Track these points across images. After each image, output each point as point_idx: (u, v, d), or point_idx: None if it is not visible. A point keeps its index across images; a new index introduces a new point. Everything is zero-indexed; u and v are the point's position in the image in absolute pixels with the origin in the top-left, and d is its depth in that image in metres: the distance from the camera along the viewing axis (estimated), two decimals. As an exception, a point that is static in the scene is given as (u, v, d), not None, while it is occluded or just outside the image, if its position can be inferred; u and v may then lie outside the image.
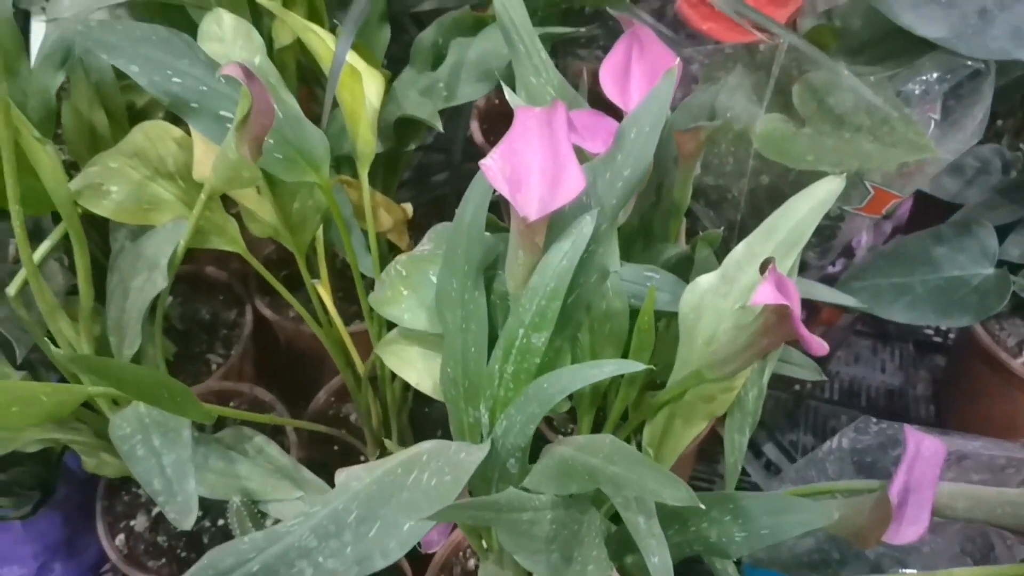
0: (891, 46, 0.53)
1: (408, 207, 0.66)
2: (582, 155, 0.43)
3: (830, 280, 0.65)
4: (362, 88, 0.49)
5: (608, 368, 0.35)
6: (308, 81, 0.65)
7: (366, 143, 0.50)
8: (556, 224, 0.40)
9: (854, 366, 0.86)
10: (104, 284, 0.50)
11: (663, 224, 0.54)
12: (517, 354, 0.38)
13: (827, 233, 0.57)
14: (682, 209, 0.52)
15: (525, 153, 0.38)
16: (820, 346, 0.37)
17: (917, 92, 0.55)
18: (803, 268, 0.65)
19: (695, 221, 0.61)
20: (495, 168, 0.37)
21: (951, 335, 0.86)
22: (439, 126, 0.53)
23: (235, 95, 0.45)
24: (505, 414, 0.37)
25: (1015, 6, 0.47)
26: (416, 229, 1.01)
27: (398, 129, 0.56)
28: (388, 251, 0.71)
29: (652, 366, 0.37)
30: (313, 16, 0.58)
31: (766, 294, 0.35)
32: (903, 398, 0.83)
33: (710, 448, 0.79)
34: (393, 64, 0.62)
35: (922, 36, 0.48)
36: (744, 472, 0.78)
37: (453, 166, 0.90)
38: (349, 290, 0.71)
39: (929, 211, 0.68)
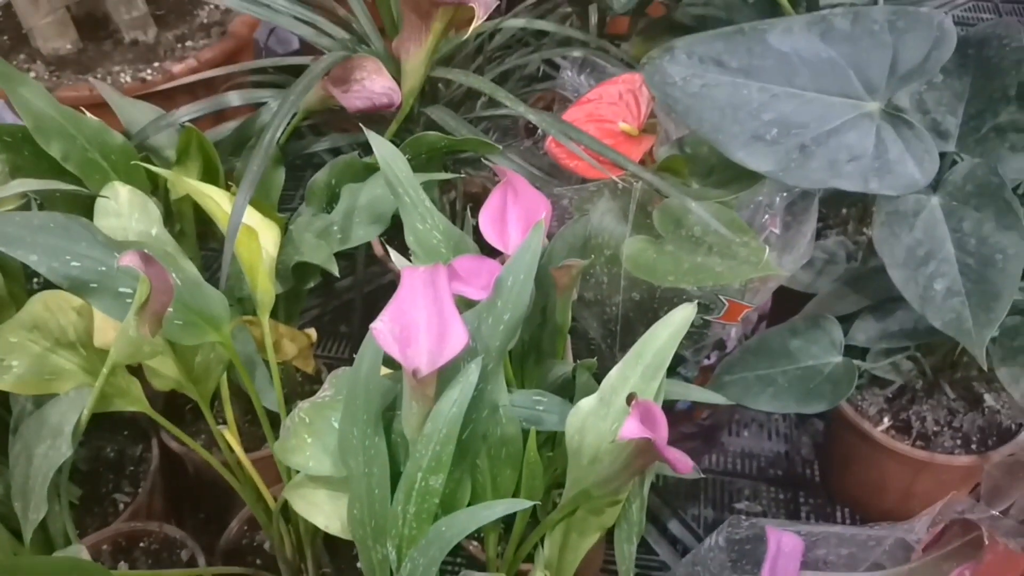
0: (734, 171, 0.60)
1: (312, 332, 0.68)
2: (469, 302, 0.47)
3: (708, 370, 0.72)
4: (259, 243, 0.52)
5: (499, 508, 0.39)
6: (208, 222, 0.68)
7: (265, 292, 0.53)
8: (446, 370, 0.44)
9: (744, 437, 0.92)
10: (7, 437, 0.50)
11: (551, 343, 0.59)
12: (417, 496, 0.41)
13: (696, 337, 0.63)
14: (565, 329, 0.57)
15: (413, 312, 0.42)
16: (685, 465, 0.42)
17: (760, 209, 0.63)
18: (682, 362, 0.71)
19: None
20: (385, 330, 0.41)
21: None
22: (335, 270, 0.56)
23: (134, 271, 0.47)
24: (409, 556, 0.40)
25: (828, 142, 0.55)
26: (325, 335, 1.03)
27: (297, 271, 0.60)
28: (298, 379, 0.74)
29: (538, 502, 0.40)
30: (208, 167, 0.61)
31: (631, 429, 0.39)
32: (790, 463, 0.89)
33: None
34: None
35: (754, 170, 0.55)
36: (653, 551, 0.82)
37: (357, 272, 0.94)
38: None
39: (791, 297, 0.77)
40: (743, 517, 0.48)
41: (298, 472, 0.47)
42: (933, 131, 0.62)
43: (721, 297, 0.58)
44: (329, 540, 0.67)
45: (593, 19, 0.81)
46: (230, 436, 0.54)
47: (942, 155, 0.61)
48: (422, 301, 0.42)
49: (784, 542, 0.42)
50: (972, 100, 0.61)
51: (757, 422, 0.93)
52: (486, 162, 0.54)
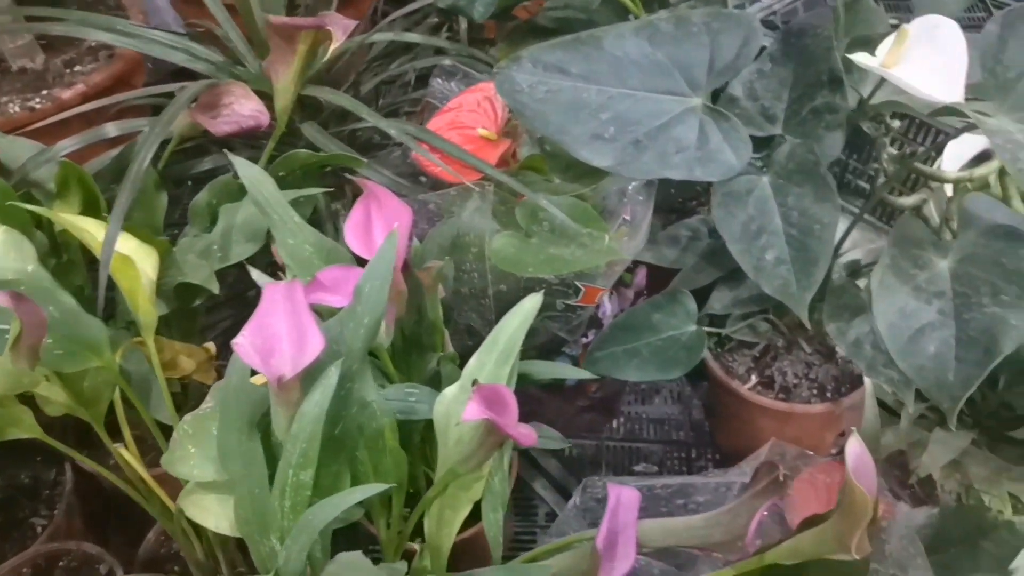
0: (586, 166, 0.66)
1: (211, 346, 0.72)
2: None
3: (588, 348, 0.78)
4: (136, 269, 0.55)
5: (357, 495, 0.44)
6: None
7: (147, 314, 0.56)
8: (311, 374, 0.48)
9: (642, 404, 0.99)
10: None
11: (429, 337, 0.64)
12: (291, 491, 0.46)
13: (564, 320, 0.69)
14: (439, 324, 0.62)
15: (274, 325, 0.47)
16: (529, 439, 0.48)
17: (614, 199, 0.69)
18: (563, 344, 0.77)
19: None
20: (246, 345, 0.45)
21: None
22: (215, 288, 0.60)
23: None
24: (284, 546, 0.44)
25: (659, 137, 0.61)
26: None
27: (182, 290, 0.63)
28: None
29: (393, 483, 0.46)
30: (88, 199, 0.64)
31: (472, 411, 0.45)
32: (684, 424, 0.97)
33: (525, 505, 0.89)
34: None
35: (597, 166, 0.61)
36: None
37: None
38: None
39: (665, 273, 0.83)
40: (596, 479, 0.54)
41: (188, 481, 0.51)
42: (763, 116, 0.69)
43: (577, 283, 0.64)
44: (242, 541, 0.72)
45: (463, 27, 0.86)
46: (127, 453, 0.57)
47: (771, 137, 0.68)
48: (282, 314, 0.47)
49: (623, 496, 0.48)
50: (794, 86, 0.68)
51: (654, 388, 1.00)
52: (350, 177, 0.59)
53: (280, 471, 0.46)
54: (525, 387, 0.55)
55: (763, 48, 0.68)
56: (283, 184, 0.66)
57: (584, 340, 0.77)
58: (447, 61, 0.77)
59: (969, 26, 0.62)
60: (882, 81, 0.63)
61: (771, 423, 0.82)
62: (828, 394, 0.79)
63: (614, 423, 0.96)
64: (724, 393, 0.82)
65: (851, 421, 0.87)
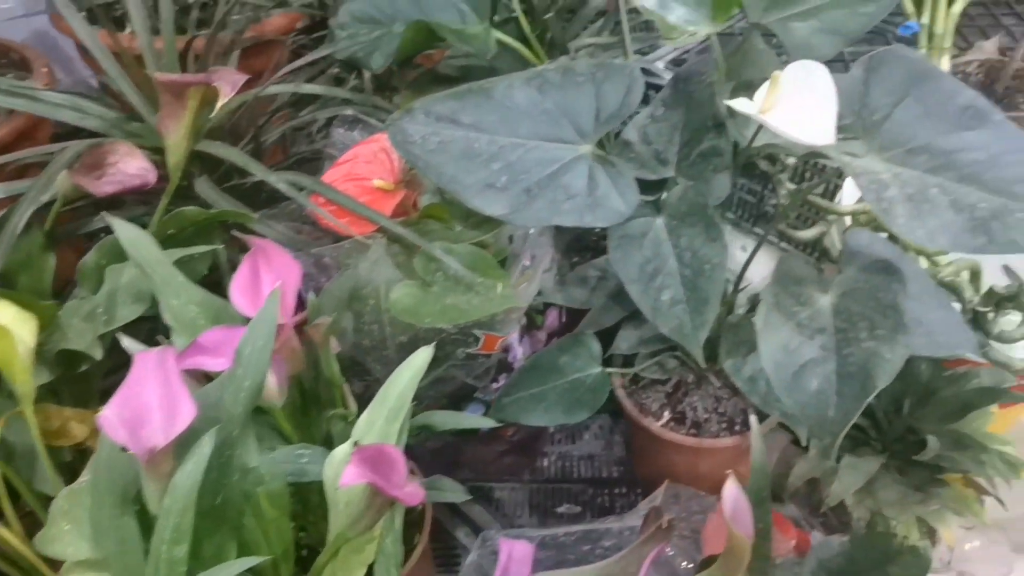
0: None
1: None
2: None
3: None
4: (11, 339, 0.53)
5: (234, 568, 0.42)
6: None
7: (23, 384, 0.54)
8: (186, 445, 0.47)
9: (564, 443, 0.99)
10: None
11: (328, 393, 0.63)
12: (164, 567, 0.44)
13: (469, 368, 0.69)
14: (336, 379, 0.61)
15: (145, 394, 0.45)
16: (414, 497, 0.47)
17: (519, 242, 0.70)
18: (474, 390, 0.76)
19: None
20: (112, 418, 0.43)
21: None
22: (98, 355, 0.58)
23: None
24: (157, 625, 0.42)
25: (550, 184, 0.62)
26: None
27: (67, 356, 0.61)
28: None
29: (271, 555, 0.44)
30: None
31: (351, 475, 0.44)
32: (606, 462, 0.97)
33: (447, 555, 0.87)
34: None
35: (490, 214, 0.61)
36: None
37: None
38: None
39: (579, 314, 0.84)
40: (492, 532, 0.54)
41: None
42: (656, 159, 0.70)
43: (475, 332, 0.64)
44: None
45: (368, 75, 0.86)
46: (6, 531, 0.54)
47: (664, 180, 0.70)
48: (153, 383, 0.45)
49: (515, 551, 0.48)
50: (684, 130, 0.70)
51: (582, 426, 1.00)
52: (238, 235, 0.58)
53: (153, 547, 0.44)
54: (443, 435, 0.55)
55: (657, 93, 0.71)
56: (175, 242, 0.65)
57: (495, 385, 0.77)
58: (348, 111, 0.77)
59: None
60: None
61: (684, 458, 0.83)
62: (737, 427, 0.80)
63: (543, 463, 0.96)
64: (639, 431, 0.82)
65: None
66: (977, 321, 0.74)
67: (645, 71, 0.82)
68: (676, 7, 0.64)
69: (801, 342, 0.57)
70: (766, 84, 0.61)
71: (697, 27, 0.64)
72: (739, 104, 0.60)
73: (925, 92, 0.56)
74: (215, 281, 0.68)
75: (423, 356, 0.53)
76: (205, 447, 0.45)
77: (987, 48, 1.49)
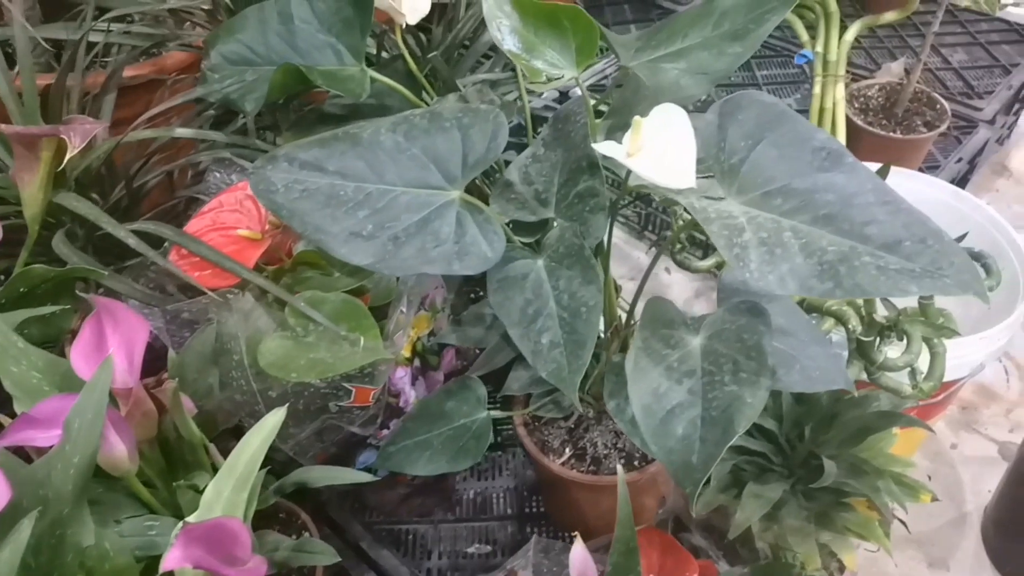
0: (359, 259, 0.64)
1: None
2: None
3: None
4: None
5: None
6: None
7: None
8: (3, 531, 0.44)
9: (484, 479, 0.97)
10: None
11: (193, 454, 0.60)
12: (-26, 667, 0.41)
13: (347, 419, 0.67)
14: (196, 441, 0.59)
15: (-48, 480, 0.42)
16: (257, 573, 0.45)
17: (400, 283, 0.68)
18: (363, 441, 0.74)
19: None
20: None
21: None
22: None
23: None
24: None
25: (418, 232, 0.60)
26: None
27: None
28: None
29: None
30: None
31: (172, 560, 0.41)
32: (519, 499, 0.96)
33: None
34: None
35: (356, 264, 0.60)
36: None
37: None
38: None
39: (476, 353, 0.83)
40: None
41: None
42: (536, 200, 0.70)
43: (345, 385, 0.62)
44: None
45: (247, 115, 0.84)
46: None
47: (544, 221, 0.69)
48: (-38, 468, 0.42)
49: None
50: (562, 170, 0.69)
51: (495, 462, 0.99)
52: (82, 295, 0.55)
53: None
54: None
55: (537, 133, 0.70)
56: (30, 299, 0.62)
57: (386, 432, 0.75)
58: (225, 154, 0.74)
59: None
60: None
61: (587, 495, 0.82)
62: (636, 462, 0.80)
63: (461, 498, 0.94)
64: (541, 468, 0.81)
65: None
66: (862, 350, 0.75)
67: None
68: (541, 52, 0.63)
69: (670, 386, 0.57)
70: (632, 126, 0.60)
71: (562, 71, 0.63)
72: (605, 148, 0.60)
73: (780, 135, 0.56)
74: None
75: (273, 420, 0.51)
76: (23, 531, 0.42)
77: (894, 69, 1.53)
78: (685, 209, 0.77)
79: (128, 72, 0.81)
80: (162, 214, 0.77)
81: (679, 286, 1.44)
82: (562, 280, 0.65)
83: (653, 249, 1.45)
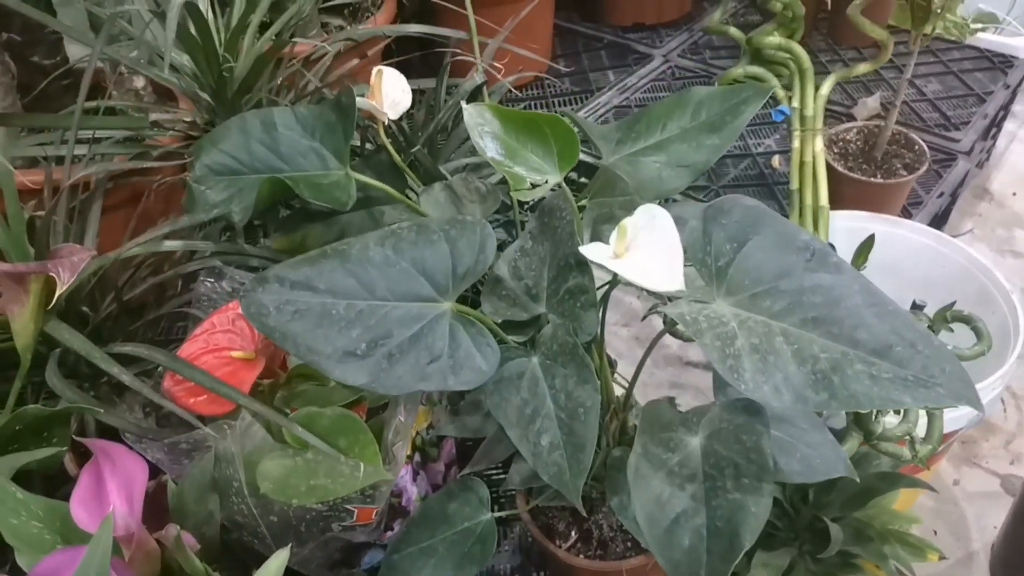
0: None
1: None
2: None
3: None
4: None
5: None
6: None
7: None
8: None
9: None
10: None
11: (196, 584, 0.60)
12: None
13: (351, 533, 0.66)
14: (201, 574, 0.58)
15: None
16: None
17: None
18: (366, 546, 0.74)
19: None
20: None
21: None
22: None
23: None
24: None
25: (411, 348, 0.61)
26: None
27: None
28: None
29: None
30: None
31: None
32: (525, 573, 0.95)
33: None
34: None
35: (352, 385, 0.60)
36: None
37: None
38: None
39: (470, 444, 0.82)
40: None
41: None
42: (527, 295, 0.70)
43: (347, 507, 0.62)
44: None
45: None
46: None
47: (536, 317, 0.70)
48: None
49: None
50: (551, 264, 0.70)
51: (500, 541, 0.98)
52: (78, 439, 0.55)
53: None
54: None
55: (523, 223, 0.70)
56: (23, 437, 0.62)
57: (390, 533, 0.74)
58: (216, 262, 0.75)
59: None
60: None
61: (592, 579, 0.82)
62: (643, 544, 0.79)
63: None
64: (547, 554, 0.81)
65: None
66: (860, 421, 0.76)
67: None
68: (524, 158, 0.64)
69: (672, 492, 0.57)
70: (617, 228, 0.61)
71: (545, 176, 0.64)
72: (592, 252, 0.60)
73: (764, 236, 0.57)
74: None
75: (277, 562, 0.51)
76: None
77: (870, 104, 1.55)
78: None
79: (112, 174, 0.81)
80: (151, 325, 0.77)
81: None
82: (558, 379, 0.65)
83: (644, 294, 1.46)
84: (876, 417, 0.76)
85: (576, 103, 1.70)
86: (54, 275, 0.60)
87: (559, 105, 1.71)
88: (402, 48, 1.14)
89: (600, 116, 1.66)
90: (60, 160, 0.87)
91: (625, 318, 1.55)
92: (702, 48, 1.88)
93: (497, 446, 0.77)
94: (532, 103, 1.70)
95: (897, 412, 0.76)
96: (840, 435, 0.78)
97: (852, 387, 0.50)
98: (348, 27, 1.39)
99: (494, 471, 0.99)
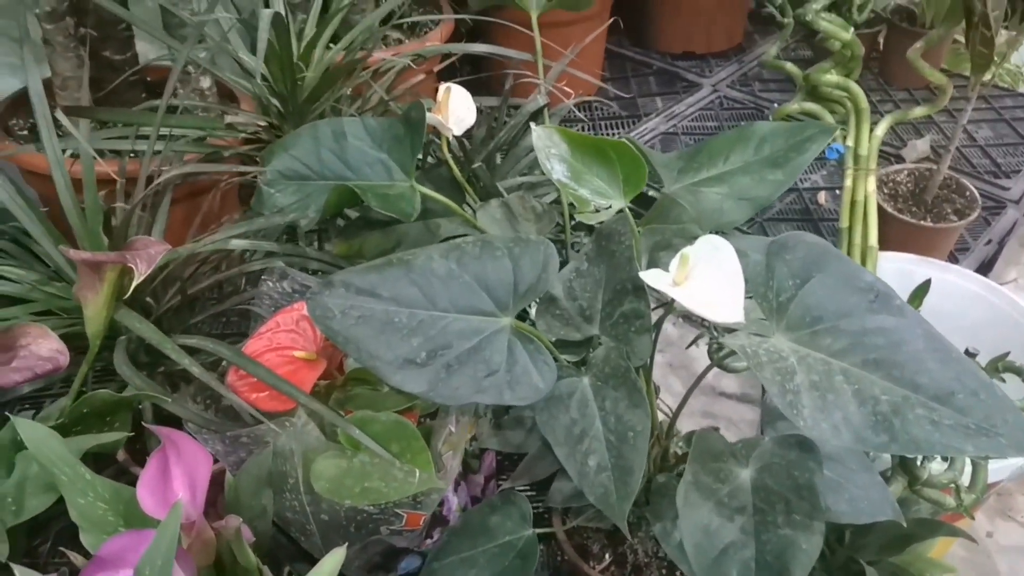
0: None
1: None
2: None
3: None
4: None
5: None
6: None
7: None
8: None
9: None
10: None
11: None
12: None
13: (395, 537, 0.67)
14: (253, 570, 0.60)
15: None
16: None
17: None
18: (404, 552, 0.75)
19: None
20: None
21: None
22: (4, 552, 0.56)
23: None
24: None
25: (469, 360, 0.62)
26: None
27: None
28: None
29: None
30: None
31: None
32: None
33: None
34: None
35: (409, 392, 0.61)
36: None
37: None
38: None
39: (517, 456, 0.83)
40: None
41: None
42: (581, 316, 0.71)
43: (398, 511, 0.63)
44: None
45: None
46: None
47: (589, 338, 0.71)
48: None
49: None
50: (607, 287, 0.71)
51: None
52: (147, 427, 0.57)
53: None
54: None
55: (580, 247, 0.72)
56: (91, 420, 0.64)
57: (430, 541, 0.75)
58: (278, 263, 0.77)
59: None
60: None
61: (627, 606, 0.82)
62: (679, 572, 0.79)
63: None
64: (578, 574, 0.81)
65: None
66: (905, 466, 0.75)
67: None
68: (588, 181, 0.65)
69: (721, 523, 0.57)
70: (679, 256, 0.62)
71: (610, 201, 0.65)
72: (652, 278, 0.61)
73: (827, 274, 0.57)
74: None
75: (331, 562, 0.52)
76: None
77: (919, 147, 1.55)
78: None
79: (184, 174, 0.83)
80: (213, 319, 0.79)
81: (707, 359, 1.44)
82: (608, 401, 0.66)
83: (681, 320, 1.46)
84: (922, 462, 0.75)
85: (623, 127, 1.72)
86: (132, 266, 0.62)
87: (606, 128, 1.73)
88: (453, 64, 1.16)
89: (647, 141, 1.67)
90: (130, 154, 0.90)
91: (660, 343, 1.55)
92: (751, 79, 1.88)
93: (539, 463, 0.78)
94: (579, 124, 1.72)
95: (944, 459, 0.75)
96: (884, 478, 0.77)
97: (913, 431, 0.50)
98: (407, 41, 1.42)
99: (524, 487, 0.99)
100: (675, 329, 1.58)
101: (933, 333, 0.55)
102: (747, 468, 0.60)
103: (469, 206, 0.87)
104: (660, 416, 0.80)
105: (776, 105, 1.79)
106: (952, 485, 0.75)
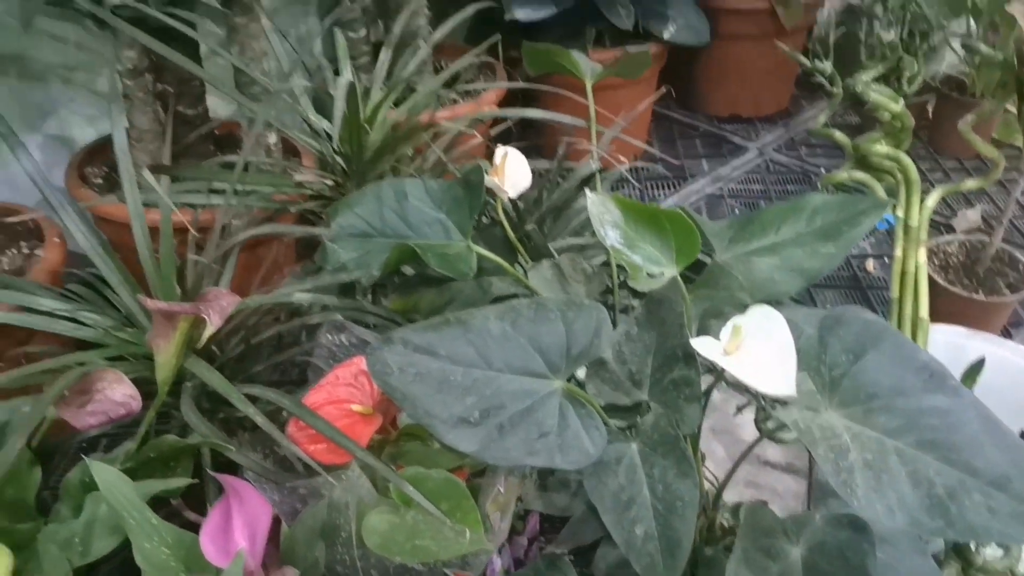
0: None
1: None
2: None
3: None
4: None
5: None
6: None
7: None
8: None
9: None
10: None
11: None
12: None
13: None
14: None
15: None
16: None
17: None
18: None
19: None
20: None
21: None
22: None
23: None
24: None
25: (522, 421, 0.63)
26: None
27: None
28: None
29: None
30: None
31: None
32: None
33: None
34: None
35: (462, 451, 0.62)
36: None
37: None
38: None
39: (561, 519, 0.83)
40: None
41: None
42: (630, 380, 0.72)
43: (446, 571, 0.64)
44: None
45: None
46: None
47: (638, 403, 0.71)
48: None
49: None
50: (656, 353, 0.72)
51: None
52: (212, 475, 0.59)
53: None
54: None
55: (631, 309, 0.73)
56: (153, 464, 0.66)
57: (471, 601, 0.75)
58: (337, 317, 0.79)
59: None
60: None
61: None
62: (720, 645, 0.78)
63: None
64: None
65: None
66: (959, 550, 0.73)
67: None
68: (641, 248, 0.67)
69: (771, 601, 0.57)
70: (730, 325, 0.63)
71: (662, 269, 0.67)
72: (703, 346, 0.62)
73: (882, 351, 0.58)
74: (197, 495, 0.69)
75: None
76: None
77: (970, 217, 1.53)
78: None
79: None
80: (272, 369, 0.82)
81: (751, 426, 1.43)
82: (656, 468, 0.66)
83: (724, 386, 1.45)
84: (977, 548, 0.74)
85: (669, 188, 1.74)
86: (204, 317, 0.65)
87: (653, 189, 1.75)
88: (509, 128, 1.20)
89: (693, 203, 1.69)
90: (202, 206, 0.95)
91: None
92: (798, 144, 1.90)
93: (584, 528, 0.78)
94: (627, 186, 1.75)
95: (999, 544, 0.73)
96: (937, 561, 0.76)
97: (970, 518, 0.49)
98: (461, 101, 1.48)
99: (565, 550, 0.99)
100: (719, 394, 1.57)
101: (988, 415, 0.54)
102: (797, 546, 0.60)
103: (520, 265, 0.89)
104: (706, 485, 0.80)
105: (823, 170, 1.80)
106: (1008, 573, 0.73)
